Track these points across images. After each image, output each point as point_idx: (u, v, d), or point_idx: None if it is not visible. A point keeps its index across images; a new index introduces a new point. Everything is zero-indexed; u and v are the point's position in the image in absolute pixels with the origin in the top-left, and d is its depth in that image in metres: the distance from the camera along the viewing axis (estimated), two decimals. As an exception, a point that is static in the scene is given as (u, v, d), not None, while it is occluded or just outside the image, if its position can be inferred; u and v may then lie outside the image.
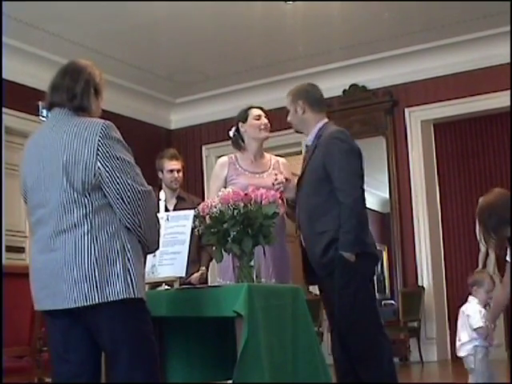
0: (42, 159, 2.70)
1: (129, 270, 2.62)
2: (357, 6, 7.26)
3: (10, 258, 7.54)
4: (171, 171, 5.17)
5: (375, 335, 3.86)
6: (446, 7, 7.38)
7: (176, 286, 3.64)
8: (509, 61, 7.90)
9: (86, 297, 2.57)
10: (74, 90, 2.75)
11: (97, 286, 2.57)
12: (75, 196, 2.62)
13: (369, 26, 7.80)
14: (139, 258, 2.73)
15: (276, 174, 4.11)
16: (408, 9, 7.42)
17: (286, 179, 4.05)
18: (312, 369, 3.39)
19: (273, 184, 4.02)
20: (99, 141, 2.63)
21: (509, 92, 7.89)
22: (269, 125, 4.35)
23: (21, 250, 7.85)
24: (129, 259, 2.64)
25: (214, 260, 4.60)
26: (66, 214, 2.62)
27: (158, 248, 2.92)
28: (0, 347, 3.84)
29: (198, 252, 4.99)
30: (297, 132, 4.19)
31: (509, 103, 8.00)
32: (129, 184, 2.64)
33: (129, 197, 2.64)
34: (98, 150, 2.62)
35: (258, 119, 4.33)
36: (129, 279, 2.62)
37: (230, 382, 3.17)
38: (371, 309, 3.94)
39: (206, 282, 5.06)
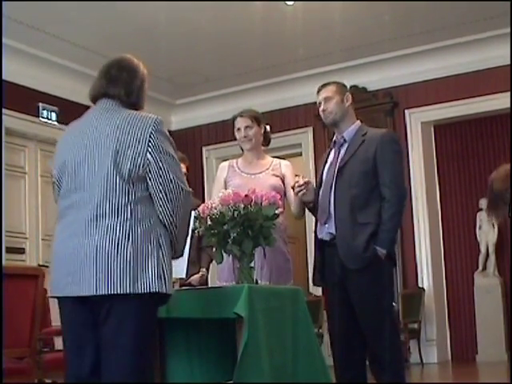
0: (88, 144, 2.72)
1: (163, 265, 2.64)
2: (357, 7, 7.27)
3: (10, 259, 7.54)
4: None
5: (395, 336, 3.89)
6: (446, 9, 7.38)
7: (176, 287, 3.64)
8: (509, 62, 7.91)
9: (116, 285, 2.56)
10: (131, 87, 2.82)
11: (129, 276, 2.57)
12: (120, 183, 2.64)
13: (369, 27, 7.80)
14: (170, 257, 2.74)
15: (297, 176, 4.08)
16: (408, 11, 7.42)
17: (306, 182, 4.02)
18: (312, 370, 3.39)
19: (292, 188, 4.03)
20: (151, 133, 2.68)
21: (509, 94, 7.89)
22: (249, 135, 4.29)
23: (21, 251, 7.86)
24: (163, 254, 2.66)
25: (213, 262, 4.61)
26: (108, 199, 2.63)
27: (182, 255, 2.91)
28: (0, 348, 3.84)
29: (198, 253, 4.99)
30: (331, 126, 4.12)
31: (509, 105, 8.00)
32: (174, 180, 2.70)
33: (171, 192, 2.69)
34: (149, 141, 2.67)
35: (238, 131, 4.33)
36: (162, 274, 2.63)
37: (231, 382, 3.17)
38: (393, 310, 3.99)
39: (207, 284, 5.06)
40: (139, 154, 2.65)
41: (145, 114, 2.77)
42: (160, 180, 2.67)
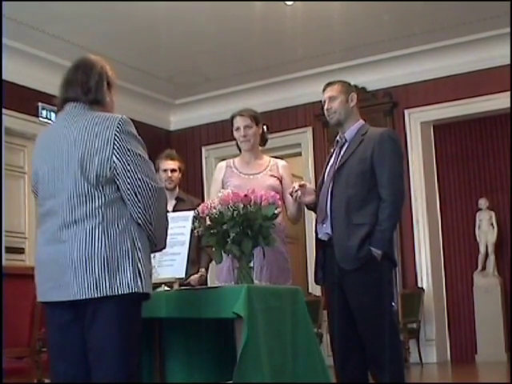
0: (56, 151, 2.72)
1: (138, 265, 2.64)
2: (356, 7, 7.27)
3: (10, 259, 7.54)
4: (165, 170, 5.19)
5: (393, 336, 3.88)
6: (445, 9, 7.39)
7: (175, 287, 3.64)
8: (509, 62, 7.91)
9: (93, 289, 2.58)
10: (88, 84, 2.78)
11: (105, 279, 2.58)
12: (88, 188, 2.64)
13: (368, 27, 7.81)
14: (148, 255, 2.75)
15: (293, 185, 4.07)
16: (408, 11, 7.42)
17: (301, 185, 4.02)
18: (311, 370, 3.39)
19: (290, 194, 4.03)
20: (116, 135, 2.66)
21: (509, 93, 7.89)
22: (249, 134, 4.29)
23: (20, 250, 7.85)
24: (138, 254, 2.66)
25: (213, 262, 4.60)
26: (79, 205, 2.64)
27: (164, 247, 2.93)
28: (0, 348, 3.84)
29: (197, 253, 4.99)
30: (334, 125, 4.09)
31: (509, 105, 8.01)
32: (143, 179, 2.68)
33: (142, 192, 2.67)
34: (114, 143, 2.65)
35: (237, 130, 4.33)
36: (137, 274, 2.64)
37: (230, 382, 3.17)
38: (391, 310, 3.98)
39: (206, 284, 5.06)
40: (105, 157, 2.64)
41: (109, 115, 2.74)
42: (128, 181, 2.66)
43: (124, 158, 2.66)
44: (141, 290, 2.65)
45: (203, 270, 5.06)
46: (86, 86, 2.78)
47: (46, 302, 2.75)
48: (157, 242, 2.81)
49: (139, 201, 2.67)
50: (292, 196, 4.03)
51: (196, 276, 4.94)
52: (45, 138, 2.84)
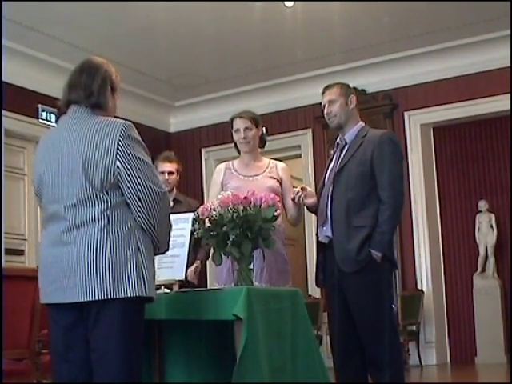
0: (61, 155, 2.73)
1: (141, 269, 2.66)
2: (356, 9, 7.27)
3: (10, 261, 7.54)
4: (162, 173, 5.19)
5: (393, 338, 3.88)
6: (445, 11, 7.39)
7: (175, 289, 3.64)
8: (509, 64, 7.91)
9: (98, 291, 2.59)
10: (91, 88, 2.79)
11: (109, 282, 2.60)
12: (93, 193, 2.66)
13: (368, 29, 7.81)
14: (151, 259, 2.77)
15: (294, 189, 4.08)
16: (407, 13, 7.43)
17: (303, 188, 4.03)
18: (311, 372, 3.39)
19: (292, 199, 4.04)
20: (119, 140, 2.67)
21: (509, 96, 7.89)
22: (248, 136, 4.29)
23: (20, 252, 7.85)
24: (142, 258, 2.68)
25: (212, 264, 4.59)
26: (84, 209, 2.65)
27: (167, 250, 2.94)
28: (0, 350, 3.84)
29: (195, 248, 4.97)
30: (335, 129, 4.09)
31: (509, 107, 8.01)
32: (146, 184, 2.69)
33: (145, 196, 2.69)
34: (117, 149, 2.67)
35: (237, 132, 4.33)
36: (141, 277, 2.65)
37: (229, 384, 3.17)
38: (391, 312, 3.98)
39: (202, 278, 5.02)
40: (109, 163, 2.65)
41: (113, 120, 2.75)
42: (132, 186, 2.68)
43: (127, 164, 2.67)
44: (144, 294, 2.66)
45: (198, 262, 5.05)
46: (88, 89, 2.78)
47: (51, 303, 2.75)
48: (160, 245, 2.83)
49: (142, 205, 2.69)
50: (294, 200, 4.04)
51: (191, 268, 4.90)
52: (48, 141, 2.85)
